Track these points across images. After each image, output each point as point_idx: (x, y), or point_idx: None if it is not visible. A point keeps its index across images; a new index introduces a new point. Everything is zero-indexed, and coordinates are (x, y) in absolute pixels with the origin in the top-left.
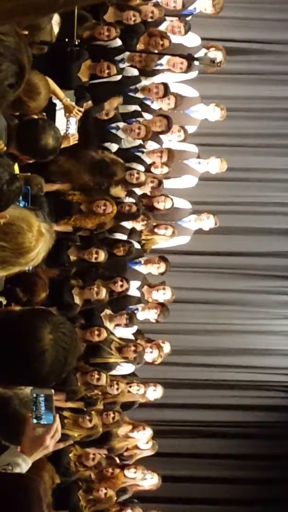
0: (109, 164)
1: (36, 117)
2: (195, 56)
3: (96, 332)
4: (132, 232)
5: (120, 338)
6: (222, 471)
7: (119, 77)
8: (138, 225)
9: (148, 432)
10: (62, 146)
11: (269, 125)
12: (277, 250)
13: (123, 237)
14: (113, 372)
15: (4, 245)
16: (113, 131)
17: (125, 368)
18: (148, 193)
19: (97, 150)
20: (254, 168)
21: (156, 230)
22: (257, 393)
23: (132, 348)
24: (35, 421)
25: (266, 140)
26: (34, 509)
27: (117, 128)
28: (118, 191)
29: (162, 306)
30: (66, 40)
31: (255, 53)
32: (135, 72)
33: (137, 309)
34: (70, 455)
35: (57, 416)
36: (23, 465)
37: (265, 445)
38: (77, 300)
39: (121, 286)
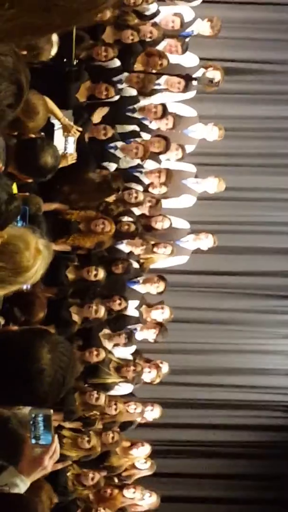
0: (112, 181)
1: (34, 136)
2: (194, 76)
3: (95, 353)
4: (130, 254)
5: (119, 358)
6: (221, 491)
7: (117, 97)
8: (137, 250)
9: (147, 448)
10: (61, 165)
11: (268, 145)
12: (275, 270)
13: None
14: (112, 392)
15: (3, 265)
16: (112, 150)
17: (123, 388)
18: (147, 213)
19: (95, 171)
20: (252, 188)
21: (155, 249)
22: (256, 412)
23: (131, 368)
24: (33, 441)
25: (264, 160)
26: None
27: (116, 147)
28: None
29: (160, 325)
30: (65, 60)
31: (253, 73)
32: (133, 92)
33: (135, 328)
34: (68, 474)
35: (56, 436)
36: (21, 486)
37: (264, 465)
38: (75, 318)
39: (120, 304)
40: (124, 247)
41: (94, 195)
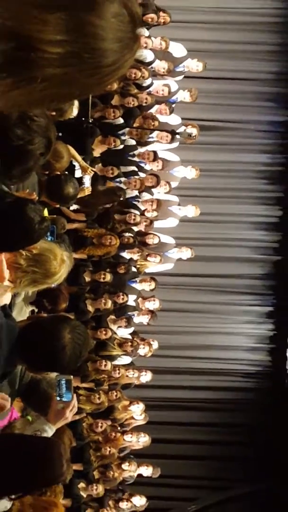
0: (116, 189)
1: (59, 173)
2: (177, 131)
3: (104, 332)
4: (130, 260)
5: (121, 337)
6: (195, 435)
7: (121, 146)
8: (135, 256)
9: (141, 406)
10: (79, 196)
11: (230, 182)
12: (238, 273)
13: None
14: (116, 362)
15: (36, 270)
16: (117, 184)
17: (124, 359)
18: (143, 230)
19: (102, 184)
20: (220, 213)
21: (148, 258)
22: (221, 377)
23: (130, 343)
24: (58, 398)
25: (228, 193)
26: (56, 463)
27: (120, 182)
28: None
29: (152, 313)
30: (83, 119)
31: (220, 129)
32: (133, 142)
33: (133, 315)
34: (84, 424)
35: (75, 395)
36: (49, 431)
37: (225, 416)
38: (90, 308)
39: (122, 299)
40: (125, 254)
41: (102, 199)
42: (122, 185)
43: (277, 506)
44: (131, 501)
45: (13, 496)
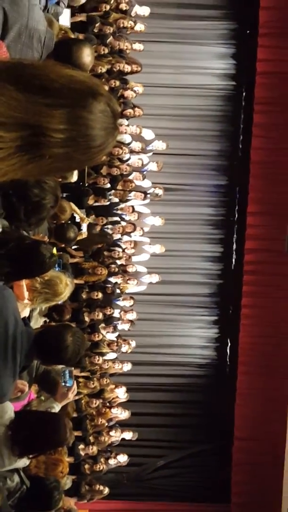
0: (105, 235)
1: (63, 222)
2: (148, 192)
3: (96, 335)
4: (115, 284)
5: (109, 339)
6: (162, 409)
7: (108, 202)
8: (119, 280)
9: (123, 388)
10: (78, 238)
11: (186, 227)
12: (192, 292)
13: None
14: (105, 357)
15: (47, 291)
16: (106, 229)
17: (111, 355)
18: (124, 263)
19: (94, 227)
20: (179, 250)
21: (128, 281)
22: (180, 367)
23: (115, 344)
24: (63, 384)
25: (185, 235)
26: (62, 431)
27: (108, 228)
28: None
29: (131, 321)
30: (80, 183)
31: (179, 190)
32: (116, 200)
33: (118, 323)
34: (82, 401)
35: (75, 382)
36: (56, 408)
37: (181, 396)
38: (86, 319)
39: (110, 311)
40: (112, 279)
41: (97, 240)
42: (109, 230)
43: (222, 460)
44: (116, 459)
45: (31, 456)
